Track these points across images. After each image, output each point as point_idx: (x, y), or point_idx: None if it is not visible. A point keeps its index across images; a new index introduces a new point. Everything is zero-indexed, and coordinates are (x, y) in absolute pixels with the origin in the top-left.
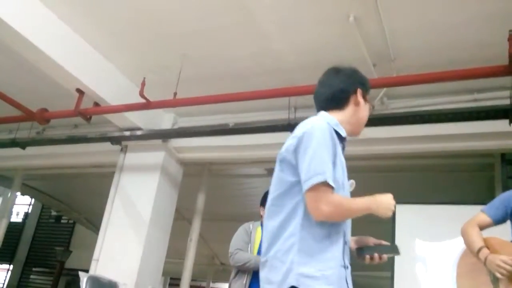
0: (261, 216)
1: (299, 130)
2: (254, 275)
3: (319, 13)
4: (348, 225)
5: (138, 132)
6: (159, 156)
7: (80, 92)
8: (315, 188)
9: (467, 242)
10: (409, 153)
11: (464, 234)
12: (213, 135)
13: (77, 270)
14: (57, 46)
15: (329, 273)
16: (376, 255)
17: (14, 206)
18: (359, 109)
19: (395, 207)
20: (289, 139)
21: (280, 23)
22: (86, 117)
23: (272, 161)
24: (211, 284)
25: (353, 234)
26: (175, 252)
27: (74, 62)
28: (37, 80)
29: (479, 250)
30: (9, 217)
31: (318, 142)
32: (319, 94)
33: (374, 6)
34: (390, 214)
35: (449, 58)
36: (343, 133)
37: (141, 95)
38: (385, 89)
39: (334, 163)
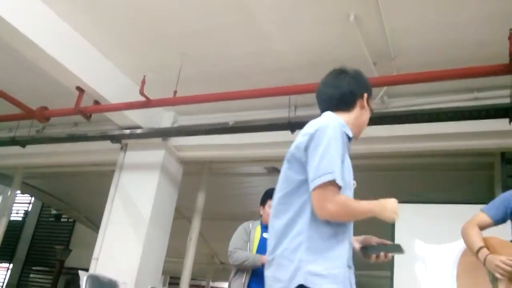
0: (261, 215)
1: (310, 128)
2: (253, 274)
3: (319, 13)
4: (352, 226)
5: (138, 131)
6: (159, 155)
7: (80, 90)
8: (322, 186)
9: (467, 242)
10: (409, 152)
11: (464, 234)
12: (213, 134)
13: (77, 269)
14: (57, 44)
15: (335, 272)
16: (382, 254)
17: (14, 204)
18: (363, 112)
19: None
20: (299, 137)
21: (280, 22)
22: (86, 115)
23: (272, 159)
24: (211, 283)
25: (355, 234)
26: (175, 251)
27: (74, 60)
28: (37, 78)
29: (479, 250)
30: (9, 215)
31: (330, 140)
32: (325, 94)
33: (375, 5)
34: (394, 218)
35: (449, 57)
36: (350, 134)
37: (141, 93)
38: (385, 87)
39: (342, 162)
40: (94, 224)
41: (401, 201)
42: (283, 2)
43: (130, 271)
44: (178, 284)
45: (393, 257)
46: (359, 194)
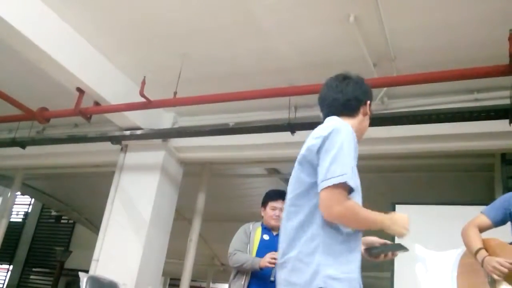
0: (262, 217)
1: (323, 130)
2: (253, 276)
3: (320, 13)
4: (361, 234)
5: (138, 132)
6: (159, 156)
7: (81, 91)
8: (332, 188)
9: (466, 243)
10: (409, 153)
11: (464, 235)
12: (213, 135)
13: (77, 270)
14: (57, 45)
15: (351, 276)
16: (389, 253)
17: (14, 205)
18: (365, 119)
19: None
20: (312, 139)
21: (280, 23)
22: (86, 117)
23: (273, 161)
24: (211, 285)
25: None
26: (175, 252)
27: (75, 61)
28: (37, 79)
29: (477, 252)
30: (9, 216)
31: (343, 143)
32: (329, 98)
33: (375, 5)
34: (404, 234)
35: (449, 58)
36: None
37: (142, 94)
38: (385, 88)
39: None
40: (94, 225)
41: (402, 202)
42: (283, 2)
43: (130, 272)
44: (178, 285)
45: (393, 258)
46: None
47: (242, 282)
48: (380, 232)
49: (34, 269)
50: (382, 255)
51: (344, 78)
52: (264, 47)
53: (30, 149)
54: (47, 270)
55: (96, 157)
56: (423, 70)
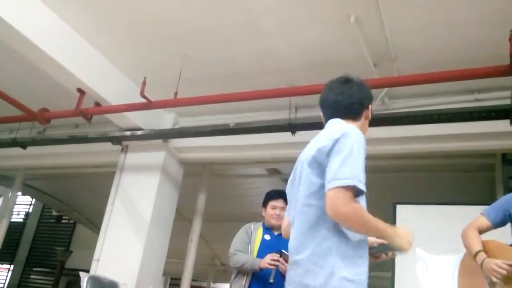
0: (263, 217)
1: (334, 133)
2: (254, 276)
3: (320, 14)
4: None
5: (139, 132)
6: (159, 156)
7: (81, 92)
8: (341, 188)
9: (466, 245)
10: (410, 153)
11: (464, 237)
12: (213, 135)
13: (78, 270)
14: (58, 45)
15: (362, 278)
16: (390, 253)
17: (15, 206)
18: (366, 122)
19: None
20: (323, 141)
21: (281, 23)
22: (87, 117)
23: (273, 161)
24: (212, 285)
25: None
26: (175, 252)
27: (75, 61)
28: (38, 80)
29: (476, 253)
30: (10, 217)
31: (353, 146)
32: (331, 100)
33: (375, 6)
34: (407, 248)
35: (450, 58)
36: None
37: (142, 95)
38: (386, 89)
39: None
40: (95, 225)
41: (402, 202)
42: (283, 2)
43: (131, 272)
44: (179, 285)
45: (393, 258)
46: None
47: (243, 282)
48: None
49: (35, 269)
50: (383, 255)
51: (346, 81)
52: (264, 47)
53: (31, 150)
54: (47, 270)
55: (96, 157)
56: (423, 70)
